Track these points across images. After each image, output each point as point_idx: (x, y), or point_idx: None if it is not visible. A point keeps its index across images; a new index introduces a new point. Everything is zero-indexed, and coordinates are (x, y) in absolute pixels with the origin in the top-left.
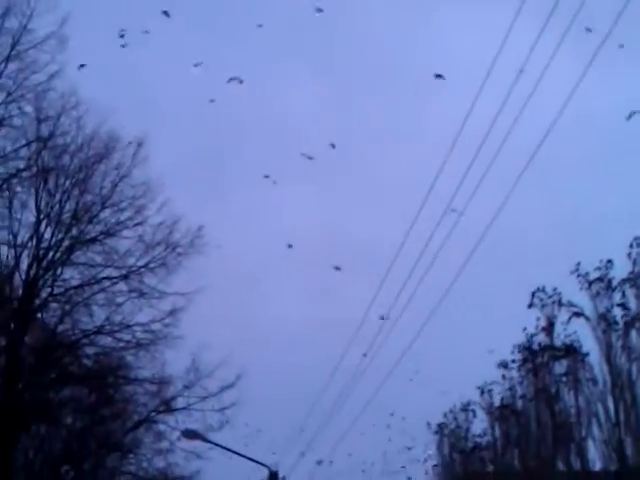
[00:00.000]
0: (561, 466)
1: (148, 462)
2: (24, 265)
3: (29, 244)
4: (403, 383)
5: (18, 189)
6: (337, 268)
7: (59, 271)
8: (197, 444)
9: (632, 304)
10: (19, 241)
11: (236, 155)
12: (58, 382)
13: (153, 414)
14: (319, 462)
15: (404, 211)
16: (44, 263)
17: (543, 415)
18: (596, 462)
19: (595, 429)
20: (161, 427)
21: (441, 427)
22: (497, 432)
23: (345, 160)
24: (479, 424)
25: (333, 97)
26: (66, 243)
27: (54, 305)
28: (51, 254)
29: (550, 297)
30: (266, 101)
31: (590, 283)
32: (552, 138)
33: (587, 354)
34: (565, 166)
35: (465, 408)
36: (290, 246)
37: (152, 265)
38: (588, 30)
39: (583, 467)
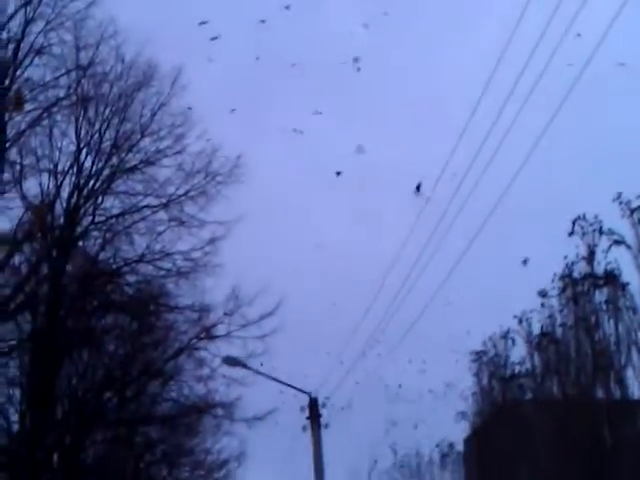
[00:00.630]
0: (600, 394)
1: (189, 389)
2: (65, 194)
3: (70, 173)
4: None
5: (58, 118)
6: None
7: (100, 200)
8: (238, 371)
9: None
10: (60, 170)
11: (282, 86)
12: (100, 310)
13: (194, 341)
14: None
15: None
16: (85, 192)
17: (583, 343)
18: (635, 390)
19: (635, 357)
20: (202, 354)
21: (480, 355)
22: (536, 360)
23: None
24: (518, 352)
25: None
26: (106, 172)
27: (95, 234)
28: (92, 183)
29: (591, 225)
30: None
31: (632, 211)
32: (598, 62)
33: (627, 283)
34: (612, 93)
35: (504, 336)
36: (339, 173)
37: (192, 194)
38: None
39: (622, 395)
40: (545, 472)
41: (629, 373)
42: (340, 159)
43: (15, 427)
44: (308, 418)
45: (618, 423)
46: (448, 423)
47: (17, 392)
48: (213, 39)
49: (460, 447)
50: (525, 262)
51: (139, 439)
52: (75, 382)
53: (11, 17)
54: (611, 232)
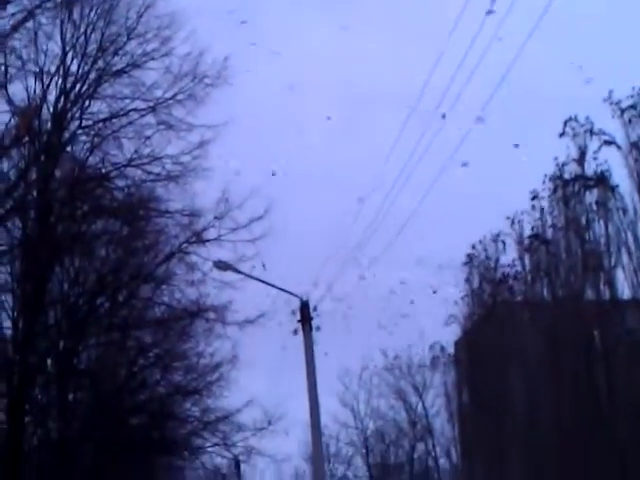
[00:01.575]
0: (590, 295)
1: (181, 293)
2: (52, 98)
3: (56, 76)
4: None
5: (43, 20)
6: None
7: (87, 104)
8: (229, 275)
9: None
10: (46, 73)
11: None
12: (90, 215)
13: (184, 246)
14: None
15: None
16: (71, 96)
17: (573, 245)
18: (625, 291)
19: (625, 258)
20: (193, 259)
21: (470, 258)
22: (527, 262)
23: None
24: (508, 255)
25: None
26: (93, 75)
27: (83, 138)
28: (78, 86)
29: (582, 126)
30: None
31: (622, 111)
32: None
33: (617, 186)
34: None
35: (495, 239)
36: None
37: (180, 97)
38: None
39: (612, 296)
40: (536, 374)
41: (619, 274)
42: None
43: (8, 333)
44: (299, 321)
45: (608, 324)
46: (439, 326)
47: (9, 298)
48: None
49: (451, 349)
50: (517, 146)
51: (132, 343)
52: (67, 288)
53: None
54: (602, 133)
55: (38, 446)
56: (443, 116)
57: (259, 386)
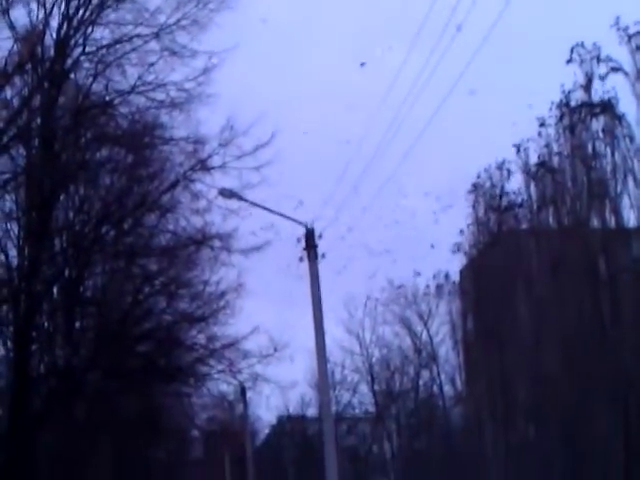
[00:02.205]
0: (596, 223)
1: (186, 222)
2: (54, 24)
3: (58, 2)
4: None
5: None
6: None
7: (90, 30)
8: (234, 203)
9: None
10: None
11: None
12: (94, 142)
13: (189, 173)
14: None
15: None
16: (74, 22)
17: (579, 172)
18: (631, 219)
19: (630, 186)
20: (198, 187)
21: (476, 186)
22: (532, 190)
23: None
24: (514, 183)
25: None
26: (95, 0)
27: (86, 65)
28: (81, 12)
29: (589, 52)
30: None
31: (630, 37)
32: None
33: (624, 113)
34: None
35: (500, 167)
36: None
37: (183, 22)
38: None
39: (618, 223)
40: (541, 302)
41: (625, 201)
42: None
43: (14, 261)
44: (304, 249)
45: (613, 252)
46: (444, 255)
47: (14, 226)
48: None
49: (456, 278)
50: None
51: (137, 271)
52: (72, 216)
53: None
54: (609, 59)
55: (45, 374)
56: (458, 29)
57: (265, 314)
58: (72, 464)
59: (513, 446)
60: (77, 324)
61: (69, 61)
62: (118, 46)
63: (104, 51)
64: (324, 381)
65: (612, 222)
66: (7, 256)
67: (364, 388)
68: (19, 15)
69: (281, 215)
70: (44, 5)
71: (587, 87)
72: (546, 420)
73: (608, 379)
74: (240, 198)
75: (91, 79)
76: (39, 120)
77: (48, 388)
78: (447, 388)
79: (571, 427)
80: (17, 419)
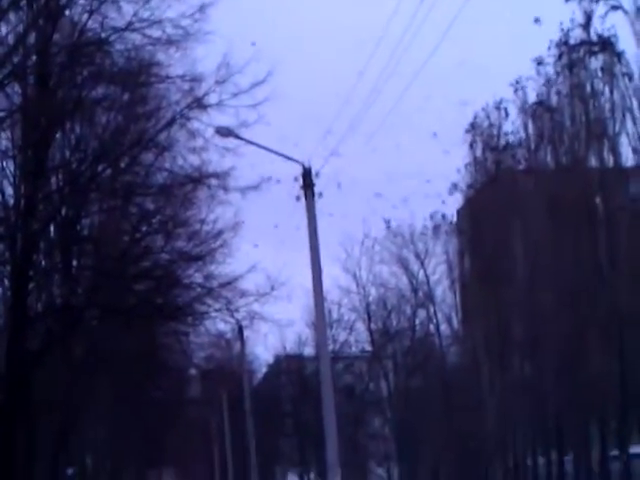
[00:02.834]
0: (594, 162)
1: (183, 160)
2: None
3: None
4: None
5: None
6: None
7: None
8: (231, 142)
9: None
10: None
11: None
12: (90, 80)
13: (186, 111)
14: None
15: None
16: None
17: (577, 111)
18: (629, 158)
19: (629, 124)
20: (194, 125)
21: (473, 126)
22: (530, 129)
23: None
24: (512, 123)
25: None
26: None
27: (82, 1)
28: None
29: None
30: None
31: None
32: None
33: (623, 51)
34: None
35: (498, 106)
36: None
37: None
38: None
39: (616, 162)
40: (538, 241)
41: (623, 140)
42: None
43: (10, 200)
44: (302, 187)
45: (611, 191)
46: (441, 194)
47: (10, 165)
48: None
49: (453, 218)
50: (537, 21)
51: (134, 210)
52: (68, 154)
53: None
54: None
55: (43, 312)
56: None
57: (262, 253)
58: (71, 402)
59: (509, 384)
60: (74, 263)
61: None
62: None
63: None
64: (321, 320)
65: (610, 161)
66: (3, 194)
67: (361, 327)
68: None
69: (278, 154)
70: None
71: (586, 25)
72: (542, 358)
73: (604, 317)
74: (237, 137)
75: (87, 16)
76: (34, 57)
77: (46, 327)
78: (443, 327)
79: (567, 365)
80: (15, 358)
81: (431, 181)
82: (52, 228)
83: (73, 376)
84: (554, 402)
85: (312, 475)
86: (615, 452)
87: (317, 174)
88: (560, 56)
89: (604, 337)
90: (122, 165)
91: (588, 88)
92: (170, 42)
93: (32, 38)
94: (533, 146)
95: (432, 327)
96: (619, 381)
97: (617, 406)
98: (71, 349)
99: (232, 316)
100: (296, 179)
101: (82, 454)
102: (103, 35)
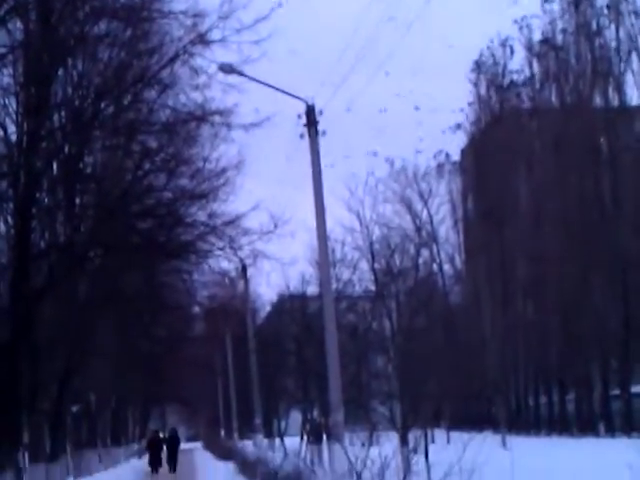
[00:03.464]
0: (599, 101)
1: (186, 98)
2: None
3: None
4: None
5: None
6: None
7: None
8: (234, 78)
9: None
10: None
11: None
12: (92, 16)
13: (189, 47)
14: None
15: None
16: None
17: (583, 50)
18: (634, 97)
19: (635, 63)
20: (197, 62)
21: (478, 64)
22: (535, 68)
23: None
24: (517, 61)
25: None
26: None
27: None
28: None
29: None
30: None
31: None
32: None
33: None
34: None
35: (503, 44)
36: None
37: None
38: None
39: (621, 102)
40: (541, 181)
41: (628, 79)
42: None
43: (13, 137)
44: (305, 125)
45: (616, 130)
46: (445, 134)
47: (13, 102)
48: None
49: (457, 157)
50: None
51: (137, 147)
52: (71, 91)
53: None
54: None
55: (46, 250)
56: None
57: (265, 192)
58: (74, 340)
59: (511, 324)
60: (77, 200)
61: None
62: None
63: None
64: (324, 258)
65: (615, 100)
66: (6, 131)
67: (364, 266)
68: None
69: (281, 91)
70: None
71: None
72: (544, 298)
73: (607, 257)
74: (240, 73)
75: None
76: None
77: (49, 264)
78: (447, 267)
79: (569, 305)
80: (19, 295)
81: (435, 119)
82: (55, 166)
83: (77, 314)
84: (556, 342)
85: (315, 413)
86: (616, 392)
87: (321, 112)
88: None
89: (607, 277)
90: (125, 102)
91: (594, 26)
92: None
93: None
94: (538, 85)
95: (435, 267)
96: (621, 321)
97: (619, 346)
98: (74, 287)
99: (235, 254)
100: (299, 117)
101: (86, 392)
102: None
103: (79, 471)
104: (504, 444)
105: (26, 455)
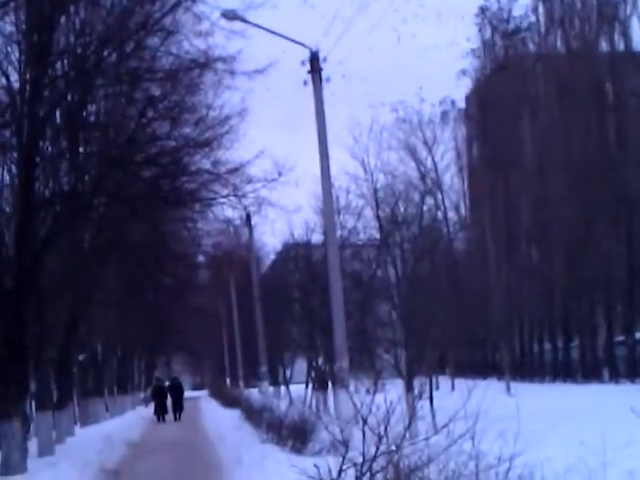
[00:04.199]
0: (604, 46)
1: (189, 44)
2: None
3: None
4: None
5: None
6: None
7: None
8: (237, 25)
9: None
10: None
11: None
12: None
13: None
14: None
15: None
16: None
17: None
18: None
19: None
20: (200, 8)
21: (483, 9)
22: (541, 13)
23: None
24: (522, 6)
25: None
26: None
27: None
28: None
29: None
30: None
31: None
32: None
33: None
34: None
35: None
36: None
37: None
38: None
39: (627, 47)
40: (546, 126)
41: (634, 24)
42: None
43: (15, 86)
44: (309, 72)
45: (621, 76)
46: (450, 81)
47: (15, 50)
48: None
49: (462, 104)
50: None
51: (140, 96)
52: (73, 39)
53: None
54: None
55: (50, 199)
56: None
57: (269, 140)
58: (80, 289)
59: (516, 270)
60: (81, 149)
61: None
62: None
63: None
64: (329, 206)
65: (621, 46)
66: (8, 79)
67: (369, 214)
68: None
69: (285, 38)
70: None
71: None
72: (549, 245)
73: (612, 203)
74: (243, 20)
75: None
76: None
77: (54, 213)
78: (451, 214)
79: (574, 251)
80: (24, 243)
81: (440, 66)
82: (58, 114)
83: (82, 263)
84: (561, 288)
85: (320, 360)
86: (621, 338)
87: (325, 59)
88: None
89: (612, 222)
90: (127, 50)
91: None
92: None
93: None
94: (543, 30)
95: (440, 214)
96: (626, 266)
97: (624, 292)
98: (79, 236)
99: (240, 202)
100: (303, 63)
101: (92, 341)
102: None
103: (86, 419)
104: (508, 390)
105: (33, 403)
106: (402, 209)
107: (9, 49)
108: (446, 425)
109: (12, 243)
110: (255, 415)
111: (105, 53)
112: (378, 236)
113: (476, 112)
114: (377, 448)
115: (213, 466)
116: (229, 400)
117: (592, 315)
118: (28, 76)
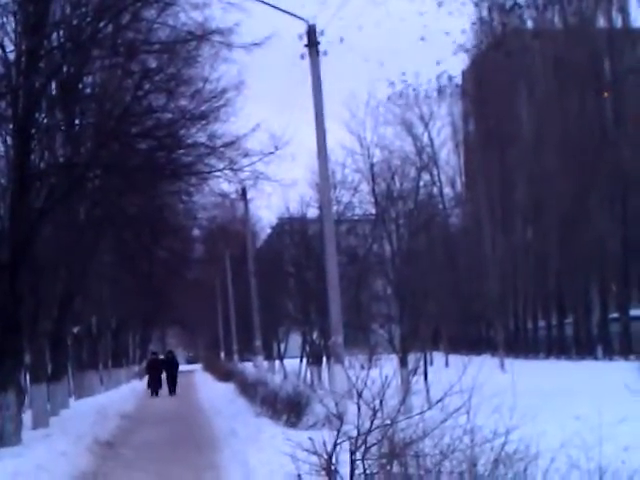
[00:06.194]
0: (602, 22)
1: (186, 15)
2: None
3: None
4: None
5: None
6: None
7: None
8: None
9: None
10: None
11: None
12: None
13: None
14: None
15: None
16: None
17: None
18: (638, 18)
19: None
20: None
21: None
22: None
23: None
24: None
25: None
26: None
27: None
28: None
29: None
30: None
31: None
32: None
33: None
34: None
35: None
36: None
37: None
38: None
39: (625, 23)
40: (544, 103)
41: (632, 0)
42: None
43: (11, 56)
44: (306, 45)
45: (619, 52)
46: (446, 56)
47: (11, 20)
48: None
49: (458, 80)
50: None
51: (137, 68)
52: (69, 10)
53: None
54: None
55: (45, 170)
56: None
57: (266, 114)
58: (75, 261)
59: (511, 247)
60: (77, 121)
61: None
62: None
63: None
64: (325, 180)
65: (619, 22)
66: (4, 50)
67: (365, 188)
68: None
69: (282, 11)
70: None
71: None
72: (544, 221)
73: (607, 179)
74: None
75: None
76: None
77: (49, 185)
78: (447, 190)
79: (569, 228)
80: (19, 215)
81: (435, 40)
82: (54, 86)
83: (77, 236)
84: (555, 265)
85: (315, 335)
86: (615, 315)
87: (322, 32)
88: None
89: (607, 199)
90: (124, 21)
91: None
92: None
93: None
94: (541, 5)
95: (435, 189)
96: (621, 244)
97: (618, 269)
98: (75, 208)
99: (235, 176)
100: (301, 37)
101: (87, 314)
102: None
103: (80, 392)
104: (502, 367)
105: (27, 376)
106: (398, 184)
107: (5, 20)
108: (441, 399)
109: (7, 216)
110: (249, 389)
111: (101, 24)
112: (374, 211)
113: (473, 88)
114: (372, 422)
115: (207, 438)
116: (223, 374)
117: (586, 292)
118: (24, 47)
